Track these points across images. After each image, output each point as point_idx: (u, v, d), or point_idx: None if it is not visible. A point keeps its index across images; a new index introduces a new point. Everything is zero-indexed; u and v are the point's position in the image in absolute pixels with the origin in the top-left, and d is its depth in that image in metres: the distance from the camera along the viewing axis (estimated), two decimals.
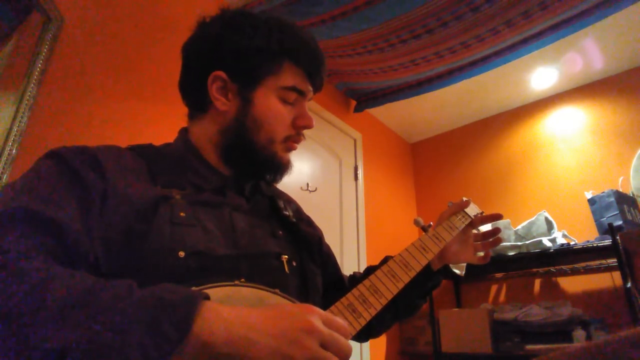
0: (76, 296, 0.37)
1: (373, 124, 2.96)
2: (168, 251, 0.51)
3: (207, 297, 0.41)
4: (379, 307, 0.60)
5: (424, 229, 0.80)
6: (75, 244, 0.47)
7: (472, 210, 0.88)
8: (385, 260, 0.75)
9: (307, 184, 2.15)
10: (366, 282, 0.63)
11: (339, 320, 0.46)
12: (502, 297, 2.53)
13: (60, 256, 0.45)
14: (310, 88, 0.69)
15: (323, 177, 2.32)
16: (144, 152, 0.64)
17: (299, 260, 0.65)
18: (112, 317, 0.36)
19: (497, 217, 0.82)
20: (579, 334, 1.92)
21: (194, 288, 0.45)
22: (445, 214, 0.86)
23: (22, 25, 1.20)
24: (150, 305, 0.38)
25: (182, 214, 0.55)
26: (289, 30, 0.66)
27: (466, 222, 0.84)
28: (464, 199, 0.90)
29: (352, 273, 0.89)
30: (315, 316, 0.43)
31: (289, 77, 0.66)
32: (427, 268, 0.79)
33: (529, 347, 2.02)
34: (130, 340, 0.35)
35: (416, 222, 0.83)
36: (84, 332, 0.35)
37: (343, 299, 0.58)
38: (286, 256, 0.63)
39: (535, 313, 2.06)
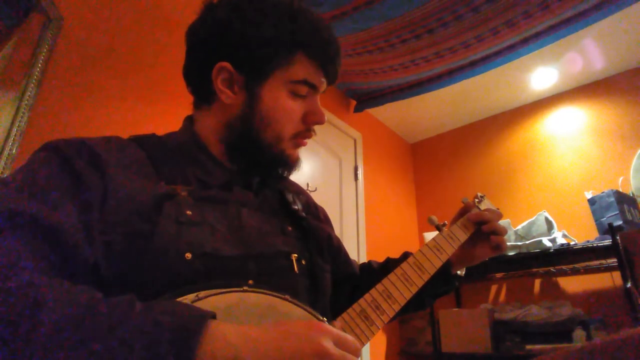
0: (71, 317, 0.35)
1: (373, 124, 2.96)
2: (174, 253, 0.48)
3: (214, 316, 0.38)
4: (392, 314, 0.59)
5: (438, 228, 0.76)
6: (73, 249, 0.44)
7: (487, 206, 0.85)
8: (406, 256, 0.72)
9: (307, 184, 2.15)
10: (379, 286, 0.61)
11: (350, 338, 0.44)
12: (502, 297, 2.53)
13: (57, 262, 0.43)
14: (324, 80, 0.64)
15: (323, 177, 2.32)
16: (146, 144, 0.60)
17: (308, 257, 0.63)
18: (108, 342, 0.34)
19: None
20: (579, 334, 1.92)
21: (201, 293, 0.43)
22: (460, 213, 0.82)
23: (22, 25, 1.20)
24: (151, 330, 0.35)
25: (188, 212, 0.52)
26: (301, 18, 0.60)
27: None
28: (479, 194, 0.87)
29: (367, 261, 0.85)
30: (327, 337, 0.40)
31: (300, 69, 0.61)
32: (447, 272, 0.77)
33: (529, 347, 2.02)
34: None
35: (430, 221, 0.78)
36: (78, 357, 0.33)
37: (355, 305, 0.57)
38: (296, 255, 0.60)
39: (535, 313, 2.06)
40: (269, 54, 0.59)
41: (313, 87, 0.63)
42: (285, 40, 0.59)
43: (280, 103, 0.61)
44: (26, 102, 1.14)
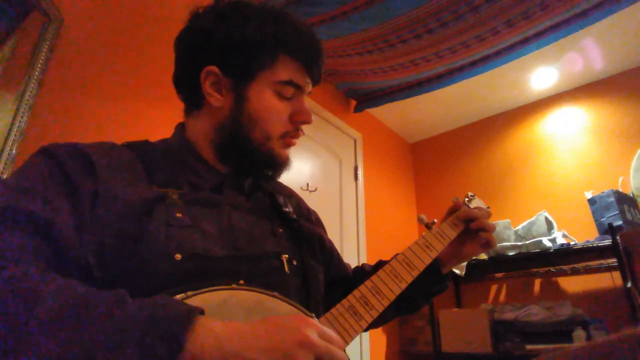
0: (66, 309, 0.36)
1: (373, 124, 2.96)
2: (164, 254, 0.49)
3: (202, 312, 0.40)
4: (381, 309, 0.59)
5: (428, 226, 0.77)
6: (66, 247, 0.45)
7: (477, 204, 0.85)
8: (396, 256, 0.72)
9: (307, 184, 2.15)
10: (368, 282, 0.61)
11: (334, 333, 0.45)
12: (502, 297, 2.53)
13: (51, 259, 0.44)
14: (309, 81, 0.66)
15: (323, 177, 2.32)
16: (139, 149, 0.62)
17: (299, 258, 0.64)
18: (101, 333, 0.35)
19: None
20: (579, 334, 1.92)
21: (190, 292, 0.44)
22: (449, 211, 0.83)
23: (22, 25, 1.20)
24: (142, 322, 0.36)
25: (178, 214, 0.53)
26: (283, 21, 0.63)
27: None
28: (469, 194, 0.88)
29: (360, 264, 0.86)
30: (310, 328, 0.41)
31: (285, 70, 0.63)
32: (437, 270, 0.77)
33: (529, 347, 2.02)
34: (120, 358, 0.34)
35: (420, 220, 0.80)
36: (73, 348, 0.34)
37: (344, 301, 0.57)
38: (286, 255, 0.61)
39: (535, 313, 2.06)
40: (253, 56, 0.61)
41: (298, 88, 0.65)
42: (268, 42, 0.61)
43: (266, 102, 0.63)
44: (26, 102, 1.14)
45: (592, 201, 2.20)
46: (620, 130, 2.41)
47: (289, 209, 0.71)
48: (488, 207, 0.86)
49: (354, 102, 2.73)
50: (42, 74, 1.19)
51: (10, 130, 1.10)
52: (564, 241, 2.16)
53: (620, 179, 2.28)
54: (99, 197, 0.50)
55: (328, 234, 0.83)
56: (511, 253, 2.24)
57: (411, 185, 3.23)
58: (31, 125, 1.15)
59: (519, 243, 2.24)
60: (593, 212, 2.18)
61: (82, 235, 0.47)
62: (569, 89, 2.69)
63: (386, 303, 0.60)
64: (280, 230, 0.66)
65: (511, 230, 2.33)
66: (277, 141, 0.64)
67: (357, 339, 2.14)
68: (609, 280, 2.16)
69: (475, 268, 2.34)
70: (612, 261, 2.09)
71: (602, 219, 2.09)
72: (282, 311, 0.49)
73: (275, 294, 0.50)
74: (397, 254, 0.71)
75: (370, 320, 0.57)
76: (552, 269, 2.35)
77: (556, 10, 1.84)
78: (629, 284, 1.79)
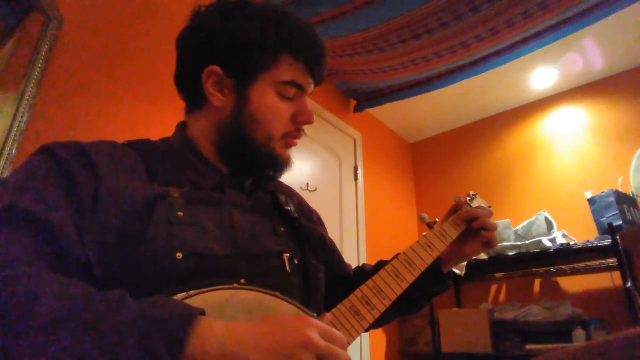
0: (66, 310, 0.36)
1: (373, 124, 2.96)
2: (165, 253, 0.49)
3: (203, 313, 0.39)
4: (382, 309, 0.59)
5: (430, 225, 0.77)
6: (67, 247, 0.45)
7: (479, 204, 0.85)
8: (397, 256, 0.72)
9: (307, 184, 2.15)
10: (369, 282, 0.61)
11: (336, 331, 0.44)
12: (502, 297, 2.53)
13: (52, 259, 0.44)
14: (311, 81, 0.66)
15: (323, 177, 2.32)
16: (140, 148, 0.62)
17: (300, 257, 0.64)
18: (101, 334, 0.35)
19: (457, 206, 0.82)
20: (579, 334, 1.92)
21: (191, 292, 0.44)
22: (451, 211, 0.83)
23: (22, 25, 1.20)
24: (143, 323, 0.36)
25: (180, 213, 0.53)
26: (285, 21, 0.63)
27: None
28: (471, 193, 0.87)
29: (361, 265, 0.86)
30: (312, 329, 0.41)
31: (287, 71, 0.63)
32: (438, 270, 0.77)
33: (529, 347, 2.02)
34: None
35: (421, 219, 0.80)
36: (72, 349, 0.34)
37: (346, 301, 0.57)
38: (287, 254, 0.61)
39: (535, 313, 2.06)
40: (255, 56, 0.61)
41: (300, 88, 0.65)
42: (270, 42, 0.61)
43: (268, 103, 0.62)
44: (26, 102, 1.14)
45: (592, 201, 2.20)
46: (620, 130, 2.41)
47: (290, 207, 0.71)
48: (490, 207, 0.86)
49: (354, 102, 2.73)
50: (42, 74, 1.19)
51: (10, 130, 1.10)
52: (564, 241, 2.16)
53: (620, 179, 2.28)
54: (99, 196, 0.50)
55: (328, 234, 0.83)
56: (511, 253, 2.24)
57: (411, 185, 3.23)
58: (31, 125, 1.15)
59: (519, 243, 2.24)
60: (593, 212, 2.18)
61: (83, 234, 0.47)
62: (569, 89, 2.68)
63: (388, 303, 0.60)
64: (282, 229, 0.65)
65: (511, 230, 2.33)
66: (278, 142, 0.64)
67: (357, 339, 2.13)
68: (609, 280, 2.16)
69: (475, 268, 2.34)
70: (612, 261, 2.09)
71: (602, 219, 2.09)
72: (283, 311, 0.49)
73: (277, 293, 0.50)
74: (398, 254, 0.71)
75: (372, 320, 0.57)
76: (552, 269, 2.35)
77: (556, 10, 1.84)
78: (629, 284, 1.79)
